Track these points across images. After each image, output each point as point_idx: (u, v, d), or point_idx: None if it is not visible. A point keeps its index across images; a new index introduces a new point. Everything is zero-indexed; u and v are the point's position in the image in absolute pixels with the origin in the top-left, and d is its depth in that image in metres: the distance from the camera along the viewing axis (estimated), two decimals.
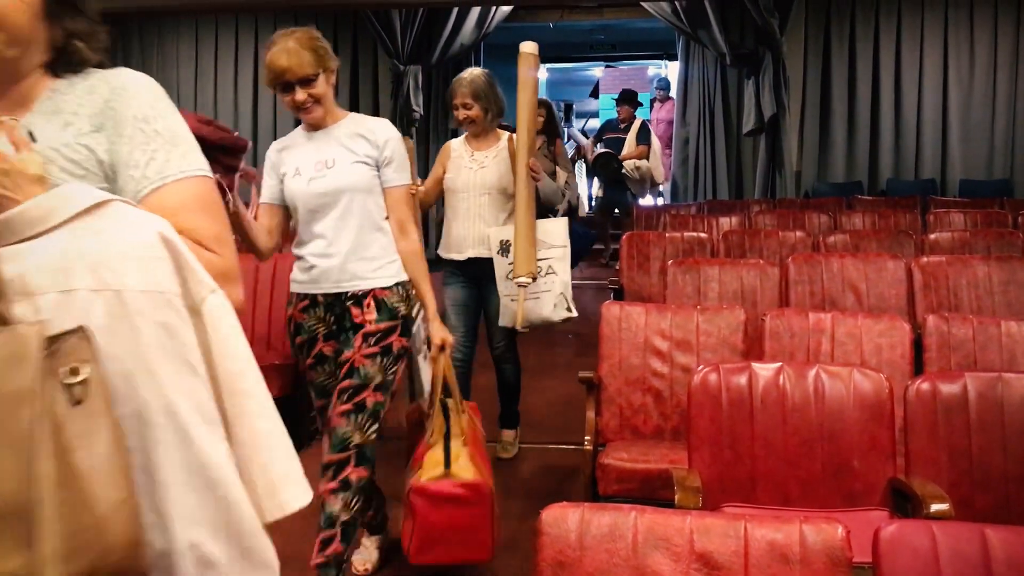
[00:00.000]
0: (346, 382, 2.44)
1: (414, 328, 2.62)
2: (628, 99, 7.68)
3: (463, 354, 3.59)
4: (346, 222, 2.47)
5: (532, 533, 1.52)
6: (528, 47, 3.53)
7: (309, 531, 2.43)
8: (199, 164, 1.15)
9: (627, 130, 7.46)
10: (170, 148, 1.13)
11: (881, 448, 2.37)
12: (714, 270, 4.02)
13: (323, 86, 2.45)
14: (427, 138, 9.23)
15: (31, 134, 1.09)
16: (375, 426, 2.44)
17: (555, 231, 3.55)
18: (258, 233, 2.46)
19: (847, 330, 3.07)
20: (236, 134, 2.23)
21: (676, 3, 8.30)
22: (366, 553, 2.86)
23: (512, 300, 3.43)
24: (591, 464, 2.88)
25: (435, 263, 3.42)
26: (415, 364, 2.78)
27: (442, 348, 2.60)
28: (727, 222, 5.96)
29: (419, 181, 3.27)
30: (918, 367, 3.04)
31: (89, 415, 0.86)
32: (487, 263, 3.50)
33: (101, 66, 1.20)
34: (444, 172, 3.62)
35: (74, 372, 0.86)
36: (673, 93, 9.72)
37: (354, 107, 9.25)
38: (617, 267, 5.04)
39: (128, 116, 1.13)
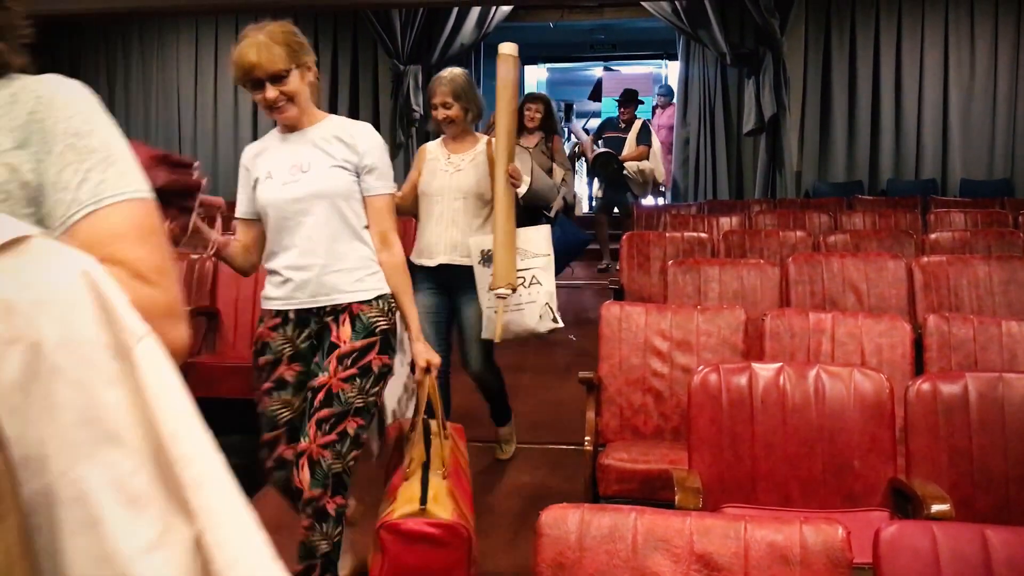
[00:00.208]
0: (324, 411, 2.24)
1: (396, 343, 2.43)
2: (630, 99, 7.58)
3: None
4: (323, 231, 2.28)
5: (532, 534, 1.52)
6: (507, 48, 3.37)
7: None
8: (138, 185, 1.00)
9: (627, 130, 7.35)
10: (106, 167, 0.98)
11: (881, 448, 2.37)
12: (714, 270, 4.02)
13: (297, 83, 2.26)
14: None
15: None
16: (356, 452, 2.29)
17: (537, 239, 3.43)
18: (235, 256, 2.36)
19: (847, 330, 3.07)
20: (195, 164, 2.15)
21: (676, 3, 8.30)
22: None
23: (495, 313, 3.30)
24: (591, 465, 2.88)
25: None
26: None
27: (427, 370, 2.39)
28: (727, 222, 5.96)
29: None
30: (919, 367, 3.03)
31: None
32: (459, 270, 3.35)
33: (24, 71, 1.06)
34: (420, 175, 3.49)
35: None
36: (674, 92, 9.71)
37: (354, 107, 9.26)
38: (616, 270, 5.03)
39: (58, 130, 0.99)
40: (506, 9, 8.68)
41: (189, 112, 9.42)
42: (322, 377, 2.26)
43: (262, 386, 2.35)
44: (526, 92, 5.72)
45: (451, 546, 2.21)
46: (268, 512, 2.16)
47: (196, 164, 2.14)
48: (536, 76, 12.19)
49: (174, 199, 2.07)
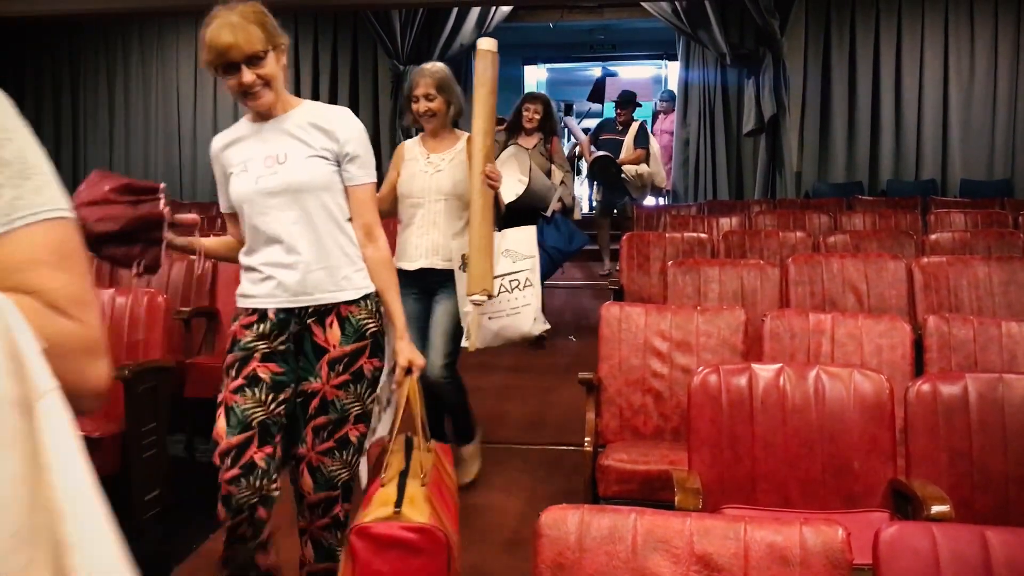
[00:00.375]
0: (321, 419, 2.17)
1: (387, 347, 2.30)
2: (628, 102, 7.46)
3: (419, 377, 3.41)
4: (304, 226, 2.14)
5: (531, 535, 1.52)
6: (485, 43, 3.27)
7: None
8: (56, 202, 0.86)
9: (624, 132, 7.26)
10: (20, 182, 0.85)
11: (881, 449, 2.37)
12: (714, 271, 4.02)
13: (273, 66, 2.10)
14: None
15: None
16: (361, 458, 2.23)
17: (525, 240, 3.36)
18: (224, 250, 2.33)
19: (847, 331, 3.07)
20: (160, 188, 2.10)
21: (676, 3, 8.30)
22: None
23: (490, 319, 3.23)
24: (591, 465, 2.88)
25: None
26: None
27: (408, 371, 2.22)
28: (727, 222, 5.96)
29: None
30: (919, 368, 3.03)
31: None
32: (440, 274, 3.26)
33: None
34: (399, 176, 3.38)
35: None
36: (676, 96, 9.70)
37: (354, 107, 9.20)
38: (616, 273, 5.02)
39: None
40: (506, 9, 8.69)
41: (189, 112, 9.41)
42: (314, 383, 2.16)
43: (231, 383, 2.14)
44: (525, 92, 5.68)
45: (428, 553, 2.01)
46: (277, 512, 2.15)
47: (162, 188, 2.11)
48: (536, 76, 12.19)
49: (140, 234, 2.04)
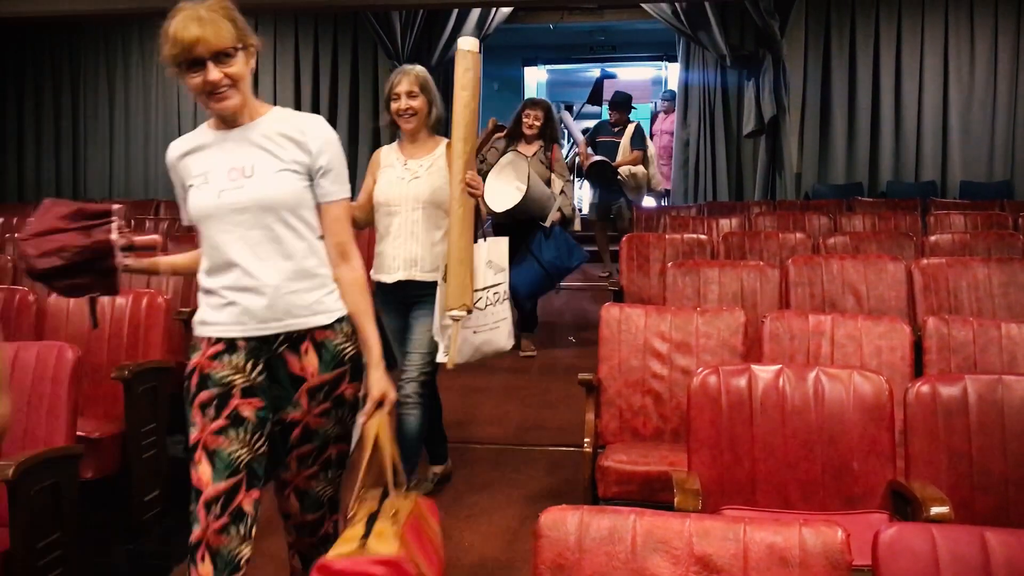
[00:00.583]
0: (306, 447, 2.04)
1: (364, 369, 2.12)
2: (621, 104, 7.35)
3: (410, 396, 3.19)
4: (271, 246, 1.96)
5: (531, 536, 1.52)
6: (466, 43, 3.11)
7: None
8: None
9: (620, 134, 7.19)
10: None
11: (881, 451, 2.37)
12: (714, 272, 4.02)
13: (242, 66, 1.92)
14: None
15: None
16: (343, 471, 2.12)
17: (502, 251, 3.25)
18: (193, 266, 2.13)
19: (847, 332, 3.07)
20: (114, 210, 1.97)
21: (676, 5, 8.30)
22: None
23: (475, 333, 3.10)
24: (590, 466, 2.88)
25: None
26: None
27: (380, 404, 2.01)
28: (727, 224, 5.96)
29: None
30: (918, 369, 3.04)
31: None
32: (420, 287, 3.13)
33: None
34: (375, 183, 3.25)
35: None
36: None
37: (354, 109, 9.25)
38: (615, 275, 5.02)
39: None
40: (506, 11, 8.69)
41: (189, 112, 9.39)
42: (293, 413, 2.00)
43: (211, 425, 1.92)
44: (525, 93, 5.63)
45: None
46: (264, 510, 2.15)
47: (116, 209, 1.98)
48: (536, 78, 12.20)
49: (92, 263, 1.93)
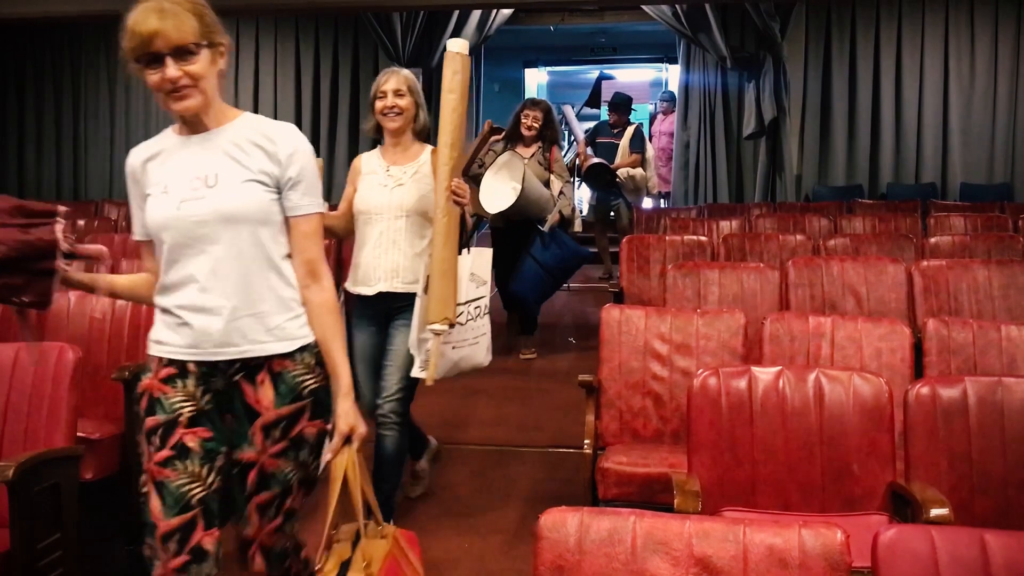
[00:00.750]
0: (264, 495, 1.85)
1: (331, 404, 1.94)
2: (621, 105, 7.36)
3: (388, 417, 3.00)
4: (232, 263, 1.80)
5: (531, 537, 1.52)
6: (456, 44, 2.97)
7: None
8: None
9: (620, 135, 7.20)
10: None
11: (881, 452, 2.37)
12: (714, 274, 4.02)
13: (206, 65, 1.77)
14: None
15: None
16: (297, 520, 1.94)
17: (485, 263, 3.11)
18: (138, 288, 1.94)
19: (847, 334, 3.07)
20: (58, 211, 1.77)
21: (677, 6, 8.31)
22: None
23: (453, 348, 2.95)
24: (590, 468, 2.88)
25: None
26: None
27: (348, 439, 1.86)
28: (727, 225, 5.96)
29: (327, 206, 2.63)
30: (918, 371, 3.04)
31: None
32: (401, 299, 2.96)
33: None
34: (355, 191, 3.09)
35: None
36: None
37: (355, 110, 9.25)
38: (615, 278, 5.02)
39: None
40: (507, 12, 8.69)
41: None
42: (248, 452, 1.84)
43: (156, 455, 1.80)
44: (525, 95, 5.58)
45: None
46: None
47: (60, 211, 1.81)
48: (536, 79, 12.21)
49: (28, 263, 1.73)
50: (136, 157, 1.92)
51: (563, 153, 5.61)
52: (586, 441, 2.98)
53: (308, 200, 1.88)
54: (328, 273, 1.92)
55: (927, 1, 8.46)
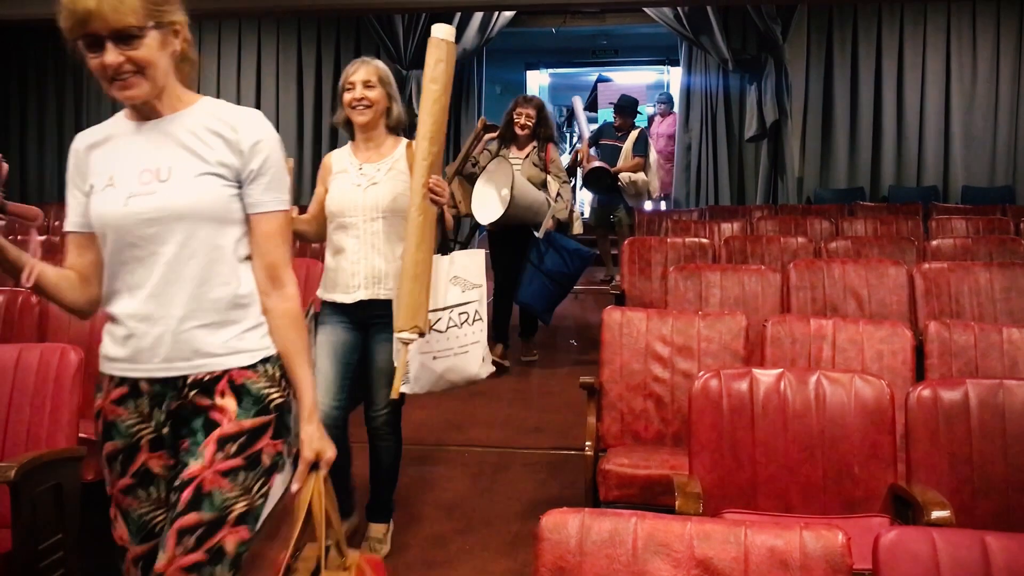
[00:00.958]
0: (191, 516, 1.55)
1: (293, 424, 1.74)
2: (626, 108, 7.33)
3: (334, 414, 2.78)
4: (184, 267, 1.61)
5: (532, 538, 1.52)
6: (441, 30, 2.73)
7: None
8: None
9: (624, 138, 7.17)
10: None
11: (882, 455, 2.37)
12: (715, 276, 4.02)
13: (154, 49, 1.56)
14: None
15: None
16: (238, 573, 1.63)
17: (475, 266, 2.86)
18: (62, 286, 1.66)
19: (848, 336, 3.07)
20: None
21: (678, 9, 8.31)
22: None
23: (435, 358, 2.76)
24: (592, 470, 2.88)
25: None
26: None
27: (315, 465, 1.68)
28: (729, 228, 5.97)
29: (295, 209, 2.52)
30: (919, 373, 3.04)
31: None
32: (384, 306, 2.75)
33: None
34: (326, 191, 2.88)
35: None
36: (675, 100, 9.70)
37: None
38: (616, 281, 5.01)
39: None
40: (509, 14, 8.71)
41: None
42: (193, 466, 1.59)
43: (118, 482, 1.67)
44: (519, 94, 5.29)
45: None
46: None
47: None
48: (538, 81, 12.22)
49: None
50: (81, 142, 1.71)
51: (560, 155, 5.45)
52: (587, 443, 2.98)
53: (271, 196, 1.68)
54: (292, 279, 1.73)
55: (929, 3, 8.46)
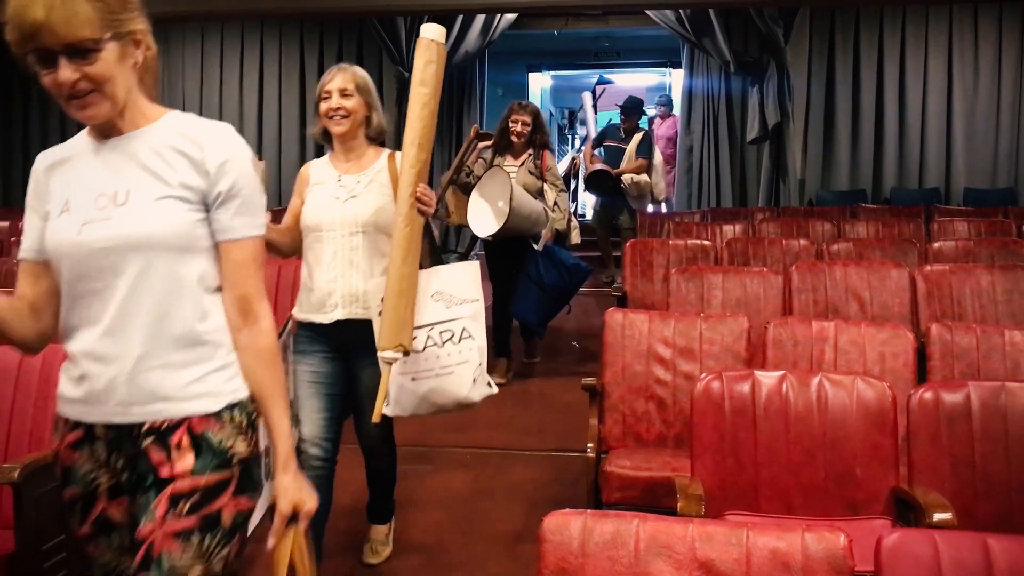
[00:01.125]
0: None
1: (262, 478, 1.59)
2: (632, 109, 7.31)
3: (327, 446, 2.62)
4: (142, 301, 1.45)
5: (534, 540, 1.53)
6: (431, 31, 2.58)
7: None
8: None
9: (628, 139, 7.17)
10: None
11: (884, 457, 2.37)
12: (717, 278, 4.03)
13: (112, 64, 1.40)
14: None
15: None
16: None
17: (464, 281, 2.63)
18: (8, 318, 1.49)
19: (850, 338, 3.08)
20: None
21: (680, 11, 8.32)
22: None
23: (414, 380, 2.55)
24: (594, 471, 2.88)
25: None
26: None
27: (293, 518, 1.52)
28: (731, 230, 5.97)
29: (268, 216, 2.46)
30: (921, 376, 3.04)
31: None
32: (361, 327, 2.55)
33: None
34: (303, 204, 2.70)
35: None
36: (676, 103, 9.70)
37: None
38: (618, 283, 5.01)
39: None
40: (511, 17, 8.71)
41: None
42: (144, 526, 1.44)
43: (80, 530, 1.55)
44: (514, 100, 5.11)
45: None
46: None
47: None
48: (540, 83, 12.22)
49: None
50: (41, 162, 1.57)
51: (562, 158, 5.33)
52: (589, 444, 2.98)
53: (242, 221, 1.51)
54: (267, 313, 1.55)
55: (931, 5, 8.46)
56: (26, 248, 1.54)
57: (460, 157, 4.23)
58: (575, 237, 5.14)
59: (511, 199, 4.30)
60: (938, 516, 2.08)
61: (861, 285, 3.98)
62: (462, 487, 3.62)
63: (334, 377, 2.65)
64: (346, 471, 2.84)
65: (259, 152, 9.23)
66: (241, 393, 1.52)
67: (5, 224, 6.42)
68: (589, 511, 1.54)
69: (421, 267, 2.55)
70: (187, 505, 1.44)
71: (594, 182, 7.02)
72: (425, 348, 2.54)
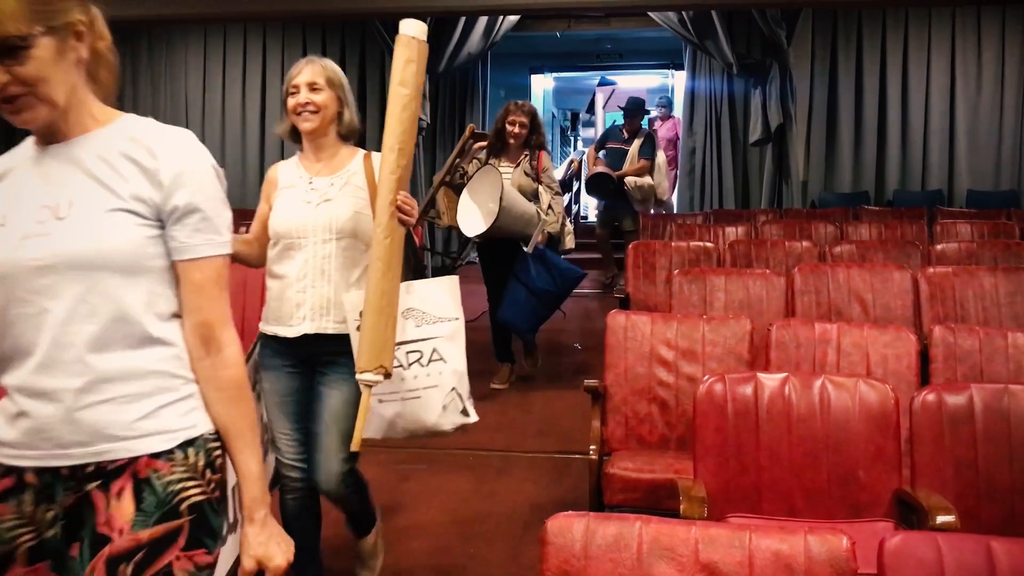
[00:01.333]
0: None
1: (223, 525, 1.41)
2: (634, 110, 7.31)
3: (302, 475, 2.43)
4: (79, 328, 1.28)
5: (537, 543, 1.53)
6: (411, 27, 2.37)
7: None
8: None
9: (631, 141, 7.17)
10: None
11: (887, 459, 2.37)
12: (720, 280, 4.03)
13: (47, 62, 1.24)
14: (433, 146, 9.25)
15: None
16: None
17: (440, 297, 2.44)
18: None
19: (853, 340, 3.07)
20: None
21: (683, 13, 8.32)
22: None
23: (380, 401, 2.37)
24: (596, 473, 2.88)
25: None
26: None
27: (260, 574, 1.38)
28: (733, 232, 5.97)
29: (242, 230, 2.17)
30: (924, 378, 3.04)
31: None
32: (333, 343, 2.35)
33: None
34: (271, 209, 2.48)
35: None
36: (677, 105, 9.70)
37: (361, 117, 9.22)
38: (620, 286, 5.01)
39: None
40: (513, 18, 8.72)
41: (197, 119, 9.45)
42: None
43: None
44: (511, 100, 4.82)
45: None
46: None
47: None
48: (542, 85, 12.24)
49: None
50: None
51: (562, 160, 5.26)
52: (591, 447, 2.98)
53: (202, 238, 1.34)
54: (233, 340, 1.38)
55: (933, 8, 8.46)
56: None
57: (453, 157, 4.18)
58: (569, 242, 5.00)
59: (501, 198, 4.18)
60: (941, 519, 2.07)
61: (864, 287, 3.98)
62: (464, 489, 3.62)
63: (300, 392, 2.44)
64: None
65: (261, 156, 9.24)
66: (200, 428, 1.34)
67: None
68: (592, 513, 1.54)
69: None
70: (129, 568, 1.25)
71: (595, 185, 7.01)
72: (394, 368, 2.34)
